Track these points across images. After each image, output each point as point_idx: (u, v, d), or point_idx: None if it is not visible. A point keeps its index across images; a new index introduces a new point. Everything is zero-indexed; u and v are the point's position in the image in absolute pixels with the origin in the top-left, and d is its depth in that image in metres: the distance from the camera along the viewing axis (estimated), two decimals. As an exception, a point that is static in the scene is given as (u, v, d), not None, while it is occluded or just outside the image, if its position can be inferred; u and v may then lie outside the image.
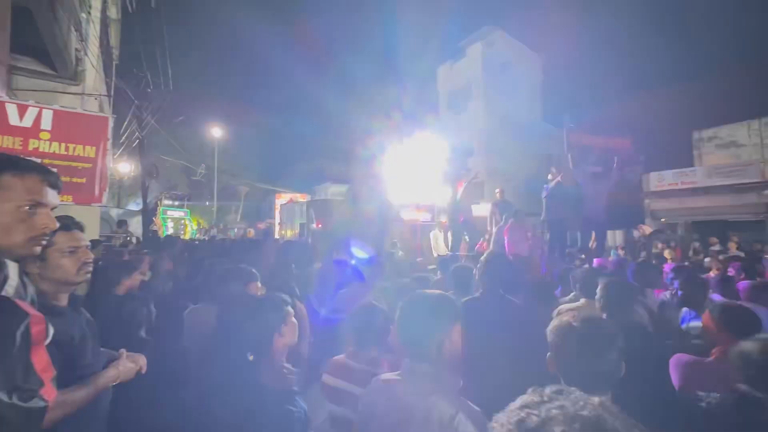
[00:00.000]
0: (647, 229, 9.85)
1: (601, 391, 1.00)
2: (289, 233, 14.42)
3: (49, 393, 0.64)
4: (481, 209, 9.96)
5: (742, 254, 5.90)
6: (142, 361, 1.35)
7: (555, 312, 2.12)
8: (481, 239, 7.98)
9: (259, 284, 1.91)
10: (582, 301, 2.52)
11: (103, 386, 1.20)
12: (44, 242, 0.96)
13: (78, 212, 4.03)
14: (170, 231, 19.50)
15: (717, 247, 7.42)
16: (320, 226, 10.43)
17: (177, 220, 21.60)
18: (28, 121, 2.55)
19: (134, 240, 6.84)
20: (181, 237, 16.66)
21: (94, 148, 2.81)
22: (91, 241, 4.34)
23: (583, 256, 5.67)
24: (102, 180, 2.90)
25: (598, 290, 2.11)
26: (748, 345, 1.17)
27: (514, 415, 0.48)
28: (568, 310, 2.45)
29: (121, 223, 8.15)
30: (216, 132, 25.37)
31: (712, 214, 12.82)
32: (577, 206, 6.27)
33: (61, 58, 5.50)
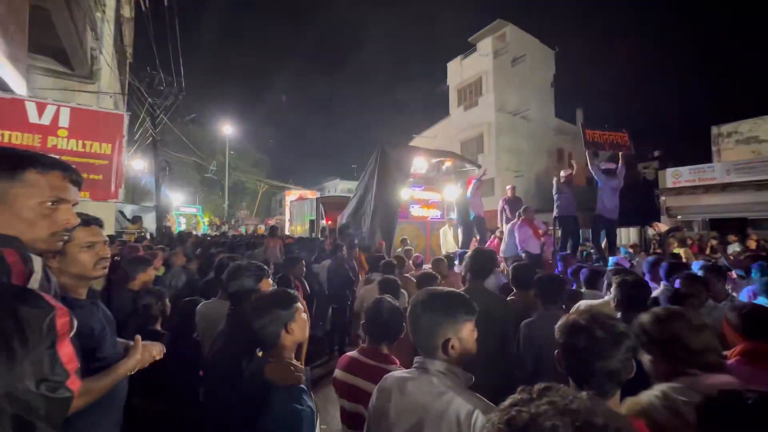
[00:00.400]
0: (662, 227, 9.64)
1: (610, 390, 0.99)
2: (299, 230, 14.52)
3: (74, 384, 0.66)
4: (491, 205, 9.88)
5: (763, 253, 5.72)
6: (157, 348, 1.37)
7: (573, 309, 2.10)
8: (492, 236, 7.92)
9: (270, 281, 1.93)
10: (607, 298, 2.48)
11: (122, 375, 1.23)
12: (66, 238, 0.98)
13: (94, 208, 4.12)
14: (183, 227, 19.84)
15: (737, 246, 7.22)
16: (330, 222, 10.47)
17: (189, 217, 21.95)
18: (46, 119, 2.61)
19: (148, 236, 6.97)
20: (194, 233, 16.95)
21: (110, 145, 2.86)
22: (108, 236, 4.44)
23: (594, 254, 5.59)
24: (118, 176, 2.95)
25: (612, 289, 2.07)
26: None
27: (504, 413, 0.48)
28: (585, 308, 2.42)
29: (136, 219, 8.30)
30: (227, 129, 25.63)
31: (731, 212, 12.48)
32: (589, 203, 6.17)
33: (77, 57, 5.61)
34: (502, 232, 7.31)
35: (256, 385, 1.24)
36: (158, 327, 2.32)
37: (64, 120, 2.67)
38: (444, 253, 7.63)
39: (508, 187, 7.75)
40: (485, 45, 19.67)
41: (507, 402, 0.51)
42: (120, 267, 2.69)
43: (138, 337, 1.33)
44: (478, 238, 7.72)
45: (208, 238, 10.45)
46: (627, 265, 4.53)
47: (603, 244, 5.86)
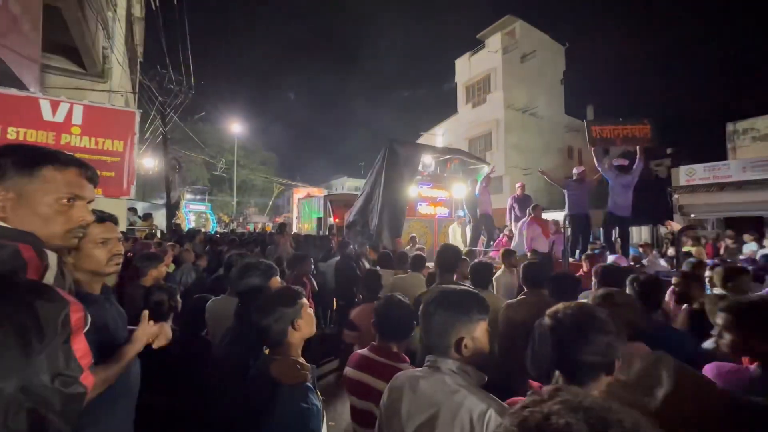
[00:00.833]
0: (675, 225, 9.46)
1: (596, 378, 1.00)
2: (306, 227, 14.58)
3: (88, 379, 0.66)
4: (500, 203, 9.80)
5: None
6: (165, 328, 1.36)
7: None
8: (501, 234, 7.85)
9: (279, 279, 1.92)
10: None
11: (132, 355, 1.23)
12: (81, 234, 0.99)
13: (105, 205, 4.18)
14: (192, 224, 20.08)
15: (753, 245, 7.05)
16: (337, 220, 10.49)
17: (199, 214, 22.21)
18: (60, 116, 2.65)
19: (158, 233, 7.07)
20: (203, 230, 17.15)
21: (122, 142, 2.90)
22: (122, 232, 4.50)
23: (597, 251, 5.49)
24: (130, 174, 2.99)
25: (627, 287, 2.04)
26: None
27: (516, 416, 0.48)
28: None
29: (147, 216, 8.43)
30: (236, 128, 25.83)
31: (747, 210, 12.20)
32: (600, 201, 6.06)
33: (89, 56, 5.69)
34: (511, 231, 7.25)
35: (262, 383, 1.24)
36: (169, 323, 2.34)
37: (77, 117, 2.71)
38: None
39: (517, 185, 7.67)
40: (494, 41, 19.48)
41: (518, 405, 0.50)
42: (131, 263, 2.72)
43: (145, 312, 1.33)
44: (485, 235, 7.67)
45: (217, 235, 10.55)
46: (624, 263, 4.45)
47: (615, 242, 5.77)
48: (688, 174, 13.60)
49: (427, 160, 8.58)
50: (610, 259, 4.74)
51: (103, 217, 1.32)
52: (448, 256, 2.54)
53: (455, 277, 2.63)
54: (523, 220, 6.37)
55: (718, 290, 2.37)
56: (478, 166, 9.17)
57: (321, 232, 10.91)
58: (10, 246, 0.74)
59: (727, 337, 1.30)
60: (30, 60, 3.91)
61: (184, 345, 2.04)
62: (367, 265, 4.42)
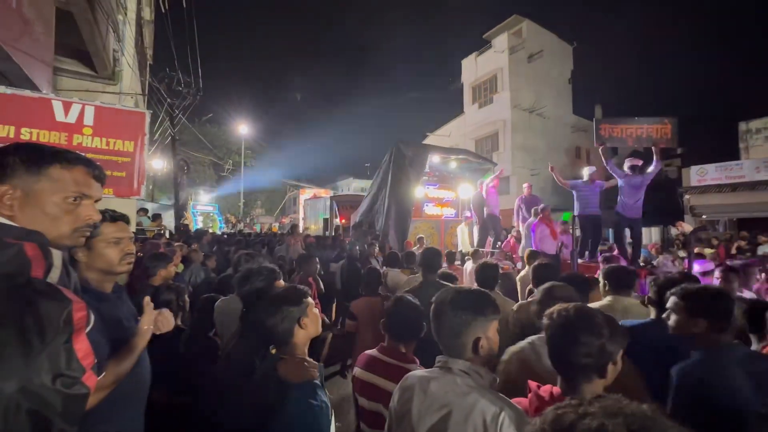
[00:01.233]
0: (686, 227, 9.31)
1: (584, 380, 1.02)
2: (312, 228, 14.63)
3: (90, 380, 0.64)
4: (507, 204, 9.74)
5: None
6: (164, 314, 1.37)
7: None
8: (509, 235, 7.79)
9: (282, 282, 1.92)
10: (609, 298, 2.40)
11: (141, 347, 1.25)
12: (88, 233, 0.98)
13: (116, 206, 4.23)
14: (200, 225, 20.26)
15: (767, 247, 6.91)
16: (344, 221, 10.51)
17: (206, 215, 22.40)
18: (72, 117, 2.69)
19: (167, 234, 7.14)
20: (210, 230, 17.29)
21: (132, 142, 2.93)
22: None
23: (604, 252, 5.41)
24: (140, 174, 3.02)
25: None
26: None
27: (550, 414, 0.48)
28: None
29: (156, 217, 8.51)
30: (243, 129, 26.02)
31: (761, 211, 11.97)
32: (610, 201, 5.97)
33: (100, 59, 5.77)
34: (518, 232, 7.19)
35: (271, 382, 1.24)
36: (178, 322, 2.35)
37: (89, 118, 2.75)
38: (461, 251, 7.58)
39: (525, 185, 7.61)
40: (501, 41, 19.38)
41: (553, 406, 0.49)
42: (141, 263, 2.74)
43: (147, 298, 1.33)
44: (493, 236, 7.62)
45: (224, 235, 10.63)
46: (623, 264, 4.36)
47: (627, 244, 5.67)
48: (699, 174, 13.38)
49: (435, 160, 8.56)
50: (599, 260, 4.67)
51: (115, 217, 1.32)
52: (431, 257, 2.85)
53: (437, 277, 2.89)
54: (530, 220, 6.31)
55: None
56: (485, 166, 9.12)
57: (327, 233, 10.94)
58: (15, 245, 0.74)
59: (674, 318, 1.48)
60: (43, 63, 3.98)
61: (193, 344, 2.04)
62: (377, 266, 4.42)
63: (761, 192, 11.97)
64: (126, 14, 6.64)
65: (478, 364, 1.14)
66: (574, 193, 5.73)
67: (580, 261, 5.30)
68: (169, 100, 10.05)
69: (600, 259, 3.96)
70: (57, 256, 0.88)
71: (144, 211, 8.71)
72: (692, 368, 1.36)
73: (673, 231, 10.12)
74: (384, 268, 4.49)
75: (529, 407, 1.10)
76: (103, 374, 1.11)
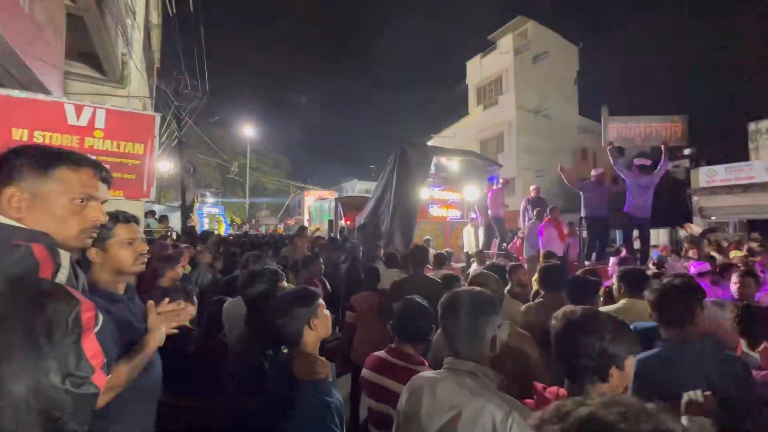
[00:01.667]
0: (695, 228, 9.19)
1: (588, 382, 1.01)
2: (318, 230, 14.66)
3: (100, 379, 0.65)
4: (513, 205, 9.68)
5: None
6: (180, 308, 1.38)
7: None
8: (515, 237, 7.75)
9: (285, 283, 1.92)
10: (624, 301, 2.37)
11: (152, 349, 1.26)
12: (95, 234, 0.99)
13: (126, 207, 4.27)
14: (206, 226, 20.41)
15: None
16: (348, 222, 10.52)
17: (212, 216, 22.56)
18: (84, 121, 2.73)
19: (174, 235, 7.20)
20: (216, 232, 17.41)
21: (142, 145, 2.96)
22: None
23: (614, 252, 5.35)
24: (150, 176, 3.04)
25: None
26: None
27: (551, 406, 0.49)
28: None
29: (163, 219, 8.60)
30: (248, 131, 26.21)
31: (770, 213, 11.80)
32: (618, 203, 5.92)
33: (109, 63, 5.84)
34: (524, 232, 7.16)
35: (284, 379, 1.24)
36: (187, 323, 2.37)
37: (100, 121, 2.79)
38: (467, 253, 7.55)
39: (532, 187, 7.57)
40: (506, 42, 19.34)
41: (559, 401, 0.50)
42: (149, 264, 2.76)
43: (150, 302, 1.34)
44: (498, 238, 7.59)
45: (230, 237, 10.70)
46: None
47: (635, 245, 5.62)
48: (708, 175, 13.21)
49: (442, 161, 8.56)
50: (613, 261, 4.62)
51: (127, 218, 1.34)
52: (420, 254, 3.38)
53: (425, 270, 3.44)
54: (532, 221, 6.28)
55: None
56: (490, 168, 9.09)
57: (332, 235, 10.95)
58: (23, 246, 0.74)
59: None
60: (54, 67, 4.03)
61: (202, 346, 2.06)
62: (383, 267, 4.42)
63: (771, 193, 11.80)
64: (135, 18, 6.72)
65: (486, 364, 1.15)
66: (581, 194, 5.69)
67: (587, 263, 5.26)
68: (176, 102, 10.15)
69: (615, 261, 3.91)
70: (65, 256, 0.88)
71: (152, 213, 8.79)
72: (645, 360, 1.44)
73: (682, 233, 10.01)
74: (384, 267, 4.50)
75: (535, 409, 1.09)
76: (114, 372, 1.13)
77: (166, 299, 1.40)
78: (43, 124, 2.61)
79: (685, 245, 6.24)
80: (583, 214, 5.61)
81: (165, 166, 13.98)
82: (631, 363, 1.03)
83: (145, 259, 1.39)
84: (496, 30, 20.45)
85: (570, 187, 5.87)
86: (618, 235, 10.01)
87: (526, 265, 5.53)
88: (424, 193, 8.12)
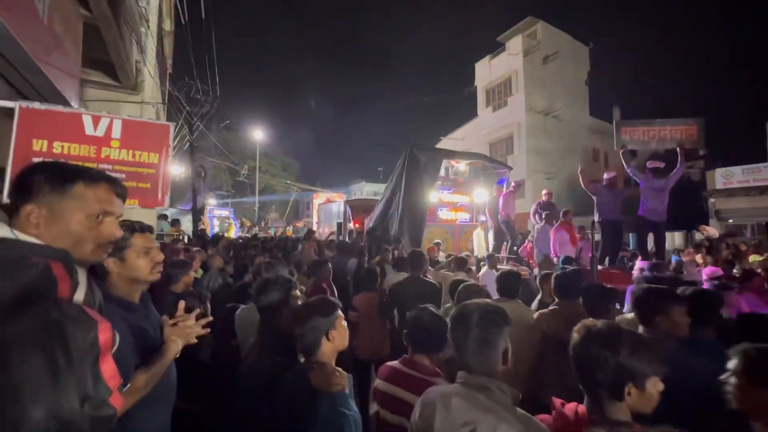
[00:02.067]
0: (711, 230, 8.97)
1: (606, 398, 0.98)
2: (327, 232, 14.70)
3: (117, 401, 0.65)
4: (523, 208, 9.59)
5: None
6: (194, 322, 1.39)
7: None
8: (526, 241, 7.68)
9: (298, 292, 1.92)
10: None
11: (169, 359, 1.28)
12: (110, 250, 1.00)
13: (138, 213, 4.34)
14: (216, 229, 20.65)
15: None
16: (357, 225, 10.53)
17: (222, 219, 22.82)
18: (101, 131, 2.80)
19: (185, 239, 7.30)
20: (226, 235, 17.58)
21: (157, 154, 3.02)
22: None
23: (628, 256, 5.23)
24: (164, 185, 3.09)
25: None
26: None
27: None
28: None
29: (175, 222, 8.73)
30: (258, 135, 26.48)
31: (790, 215, 11.46)
32: (630, 206, 5.80)
33: (123, 71, 5.96)
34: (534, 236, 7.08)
35: (302, 390, 1.24)
36: (200, 329, 2.38)
37: (117, 131, 2.86)
38: (477, 256, 7.49)
39: (544, 191, 7.47)
40: (515, 43, 19.21)
41: None
42: (163, 270, 2.79)
43: (165, 317, 1.36)
44: (508, 241, 7.52)
45: (240, 240, 10.79)
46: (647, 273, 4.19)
47: (651, 250, 5.50)
48: (725, 177, 12.90)
49: (462, 167, 8.57)
50: (638, 265, 4.52)
51: (143, 228, 1.36)
52: (416, 258, 3.58)
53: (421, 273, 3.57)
54: (541, 225, 6.21)
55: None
56: (499, 170, 9.02)
57: (341, 237, 10.98)
58: (41, 264, 0.74)
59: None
60: (71, 76, 4.13)
61: (216, 353, 2.07)
62: (393, 271, 4.43)
63: (791, 195, 11.47)
64: (148, 26, 6.85)
65: (499, 378, 1.13)
66: (594, 198, 5.60)
67: (600, 267, 5.16)
68: (187, 107, 10.31)
69: (647, 266, 3.82)
70: (82, 274, 0.88)
71: (164, 216, 8.92)
72: None
73: (698, 236, 9.77)
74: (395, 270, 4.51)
75: (553, 425, 1.07)
76: (132, 383, 1.14)
77: (182, 304, 1.41)
78: (61, 135, 2.68)
79: (691, 250, 6.09)
80: (596, 218, 5.52)
81: (177, 169, 14.22)
82: (655, 384, 0.99)
83: (161, 268, 1.41)
84: (505, 31, 20.34)
85: (584, 190, 5.78)
86: (630, 238, 9.84)
87: (536, 270, 5.47)
88: (433, 196, 8.10)
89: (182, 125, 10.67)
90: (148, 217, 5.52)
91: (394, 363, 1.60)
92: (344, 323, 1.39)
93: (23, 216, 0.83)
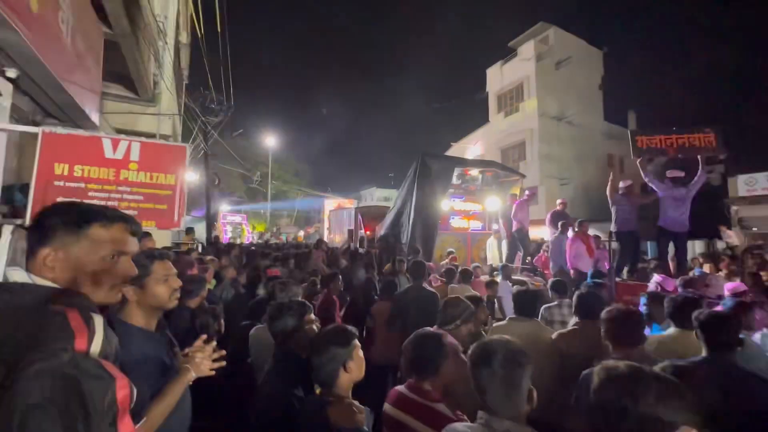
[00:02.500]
0: (733, 234, 8.67)
1: None
2: (337, 239, 14.74)
3: None
4: (537, 215, 9.44)
5: None
6: (206, 353, 1.39)
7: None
8: (541, 250, 7.54)
9: (313, 316, 1.91)
10: (671, 330, 2.22)
11: (182, 388, 1.28)
12: (124, 288, 1.00)
13: (155, 233, 4.39)
14: (229, 235, 20.92)
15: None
16: (368, 232, 10.52)
17: (235, 225, 23.13)
18: (120, 154, 2.88)
19: (199, 247, 7.39)
20: (238, 241, 17.78)
21: (173, 176, 3.08)
22: (165, 247, 4.73)
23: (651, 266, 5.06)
24: (180, 206, 3.15)
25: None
26: None
27: None
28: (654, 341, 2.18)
29: (189, 231, 8.84)
30: (270, 141, 26.85)
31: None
32: (646, 213, 5.64)
33: (142, 84, 6.13)
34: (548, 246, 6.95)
35: (319, 426, 1.21)
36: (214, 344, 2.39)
37: (135, 154, 2.93)
38: (491, 265, 7.39)
39: (558, 201, 7.33)
40: (527, 49, 19.09)
41: None
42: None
43: (176, 351, 1.36)
44: (522, 251, 7.40)
45: (252, 247, 10.90)
46: (671, 286, 4.02)
47: (671, 260, 5.32)
48: (748, 184, 12.49)
49: (475, 173, 8.53)
50: (655, 279, 4.38)
51: (162, 255, 1.37)
52: (418, 267, 3.71)
53: (424, 283, 3.68)
54: (556, 235, 6.08)
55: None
56: (512, 178, 8.92)
57: (352, 245, 10.99)
58: (59, 315, 0.72)
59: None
60: (92, 92, 4.26)
61: (229, 374, 2.06)
62: (406, 283, 4.41)
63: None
64: (166, 41, 7.04)
65: (524, 422, 1.08)
66: (612, 208, 5.46)
67: (617, 279, 5.02)
68: (202, 117, 10.53)
69: (680, 283, 3.68)
70: (98, 321, 0.87)
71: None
72: None
73: (719, 245, 9.45)
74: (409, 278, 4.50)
75: None
76: (147, 416, 1.14)
77: (201, 339, 1.40)
78: (82, 159, 2.75)
79: (725, 259, 5.87)
80: (613, 228, 5.38)
81: (191, 176, 14.50)
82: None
83: (179, 294, 1.41)
84: (516, 37, 20.25)
85: (598, 196, 5.66)
86: (648, 246, 9.56)
87: (549, 282, 5.35)
88: (445, 204, 8.04)
89: (197, 134, 10.89)
90: (163, 232, 5.62)
91: (401, 387, 1.57)
92: (361, 353, 1.37)
93: (39, 260, 0.82)
